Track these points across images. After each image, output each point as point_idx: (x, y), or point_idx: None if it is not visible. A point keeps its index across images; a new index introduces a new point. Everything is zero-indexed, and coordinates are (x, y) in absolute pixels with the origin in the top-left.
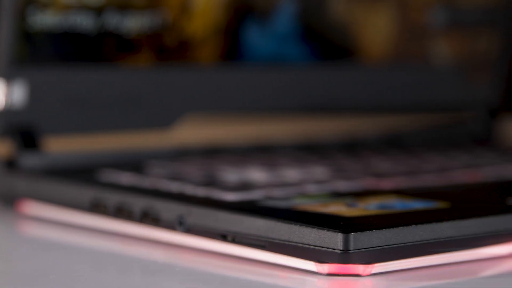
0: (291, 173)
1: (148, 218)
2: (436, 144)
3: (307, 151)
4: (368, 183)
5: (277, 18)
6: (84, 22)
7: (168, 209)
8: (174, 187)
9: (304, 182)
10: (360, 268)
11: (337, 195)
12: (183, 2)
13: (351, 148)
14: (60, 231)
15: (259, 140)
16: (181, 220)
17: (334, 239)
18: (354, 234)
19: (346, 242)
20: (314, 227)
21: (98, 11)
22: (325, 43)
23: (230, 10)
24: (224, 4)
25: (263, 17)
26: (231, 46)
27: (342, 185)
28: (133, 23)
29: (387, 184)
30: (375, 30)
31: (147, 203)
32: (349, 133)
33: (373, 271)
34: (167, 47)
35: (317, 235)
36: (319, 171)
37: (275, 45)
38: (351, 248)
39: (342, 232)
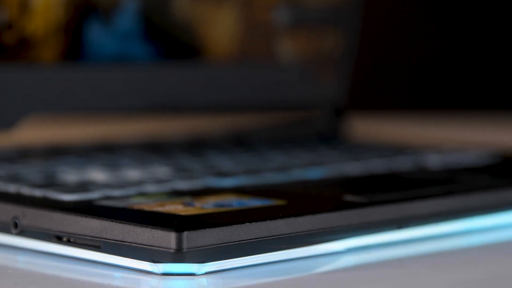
0: (132, 173)
1: None
2: (282, 142)
3: (151, 151)
4: (208, 182)
5: (120, 17)
6: None
7: (3, 210)
8: (12, 188)
9: (144, 182)
10: (194, 267)
11: (176, 194)
12: (22, 0)
13: (195, 147)
14: None
15: (103, 141)
16: (16, 221)
17: (167, 239)
18: (188, 232)
19: (179, 241)
20: (148, 227)
21: None
22: (170, 42)
23: (70, 8)
24: (65, 2)
25: (106, 16)
26: (73, 45)
27: (182, 185)
28: None
29: (227, 183)
30: (220, 29)
31: None
32: (194, 132)
33: (208, 270)
34: (6, 46)
35: (151, 235)
36: (160, 171)
37: (118, 44)
38: (185, 247)
39: (176, 231)
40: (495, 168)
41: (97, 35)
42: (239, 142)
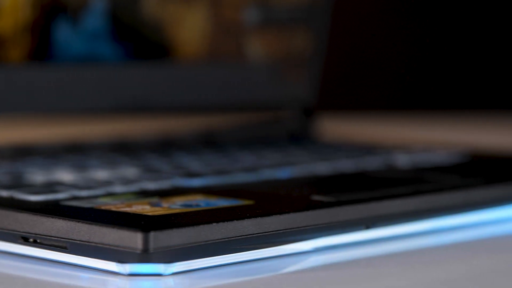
0: (100, 174)
1: None
2: (252, 143)
3: (120, 151)
4: (176, 182)
5: (88, 17)
6: None
7: None
8: None
9: (112, 182)
10: (161, 268)
11: (143, 195)
12: None
13: (165, 148)
14: None
15: (71, 141)
16: None
17: (133, 239)
18: (154, 233)
19: (145, 241)
20: (114, 227)
21: None
22: (139, 42)
23: (38, 8)
24: (32, 2)
25: (74, 15)
26: (41, 45)
27: (150, 185)
28: None
29: (195, 183)
30: (190, 29)
31: None
32: (164, 133)
33: (175, 270)
34: None
35: (117, 235)
36: (129, 171)
37: (87, 44)
38: (151, 247)
39: (142, 231)
40: (463, 167)
41: (65, 35)
42: (208, 143)
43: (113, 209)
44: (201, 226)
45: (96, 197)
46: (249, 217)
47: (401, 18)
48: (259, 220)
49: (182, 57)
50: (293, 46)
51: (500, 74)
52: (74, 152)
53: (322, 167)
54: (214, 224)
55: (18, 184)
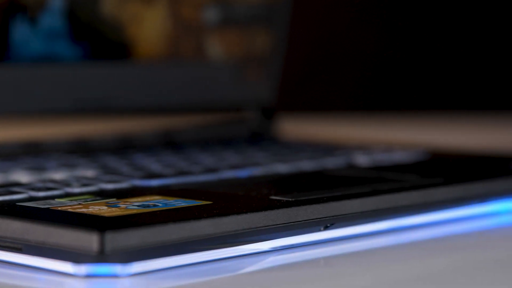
0: (59, 175)
1: None
2: (213, 143)
3: (79, 153)
4: (135, 183)
5: (46, 16)
6: None
7: None
8: None
9: (70, 183)
10: (118, 269)
11: (101, 196)
12: None
13: (124, 149)
14: None
15: (30, 142)
16: None
17: (89, 240)
18: (110, 233)
19: (101, 242)
20: (70, 228)
21: None
22: (98, 42)
23: None
24: None
25: (32, 15)
26: None
27: (109, 186)
28: None
29: (154, 184)
30: (149, 28)
31: None
32: (123, 134)
33: (132, 271)
34: None
35: (73, 236)
36: (87, 172)
37: (45, 44)
38: (107, 248)
39: (98, 232)
40: (423, 167)
41: (23, 35)
42: (168, 143)
43: (70, 209)
44: (158, 226)
45: (53, 197)
46: (207, 217)
47: (361, 18)
48: (216, 220)
49: (141, 57)
50: (254, 46)
51: (461, 75)
52: (32, 153)
53: (282, 167)
54: (171, 224)
55: None
